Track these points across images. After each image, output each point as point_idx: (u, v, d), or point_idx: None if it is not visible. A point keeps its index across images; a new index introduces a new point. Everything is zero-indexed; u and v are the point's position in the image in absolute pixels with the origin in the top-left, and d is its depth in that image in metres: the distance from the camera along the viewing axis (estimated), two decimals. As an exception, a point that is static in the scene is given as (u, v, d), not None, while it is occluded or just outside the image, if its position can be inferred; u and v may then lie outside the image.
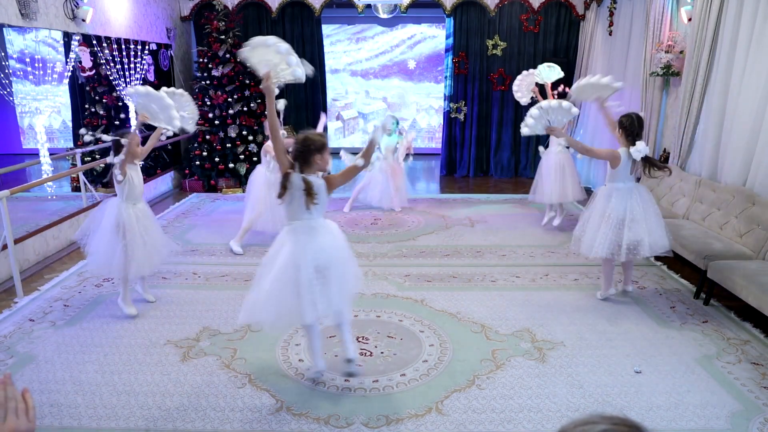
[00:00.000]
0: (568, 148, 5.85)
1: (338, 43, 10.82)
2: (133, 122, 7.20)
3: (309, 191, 2.90)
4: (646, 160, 3.97)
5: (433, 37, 10.70)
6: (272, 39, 2.95)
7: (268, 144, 5.38)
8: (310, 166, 2.95)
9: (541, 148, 6.19)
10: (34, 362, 3.46)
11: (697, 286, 4.48)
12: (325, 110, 9.50)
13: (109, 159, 4.00)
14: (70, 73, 5.98)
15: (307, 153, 2.93)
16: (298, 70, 3.01)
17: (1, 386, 1.03)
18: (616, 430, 0.89)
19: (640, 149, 3.86)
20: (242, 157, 8.22)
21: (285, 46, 2.96)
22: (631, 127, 3.94)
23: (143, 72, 7.42)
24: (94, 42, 6.33)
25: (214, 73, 8.03)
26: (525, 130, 3.99)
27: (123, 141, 3.82)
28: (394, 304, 4.31)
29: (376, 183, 6.80)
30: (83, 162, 6.27)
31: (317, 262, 2.93)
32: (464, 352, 3.59)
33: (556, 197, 6.03)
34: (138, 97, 3.86)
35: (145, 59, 7.45)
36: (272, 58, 2.97)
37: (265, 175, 5.40)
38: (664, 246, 4.01)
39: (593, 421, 0.91)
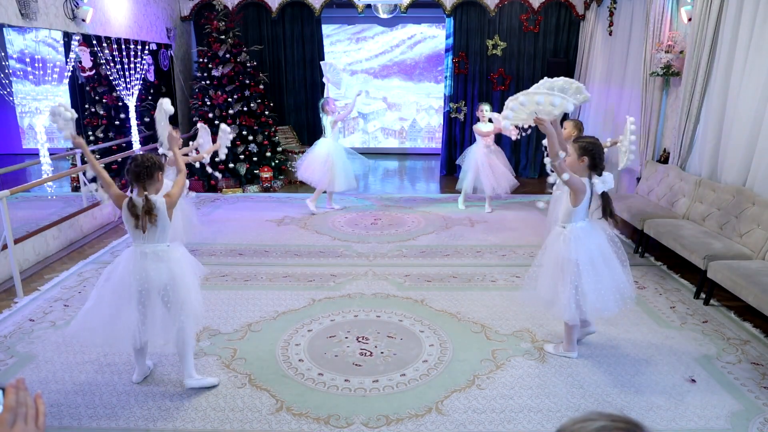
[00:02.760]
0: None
1: (338, 43, 10.82)
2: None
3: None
4: (604, 197, 3.26)
5: (433, 37, 10.70)
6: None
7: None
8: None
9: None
10: (34, 362, 3.46)
11: (697, 286, 4.48)
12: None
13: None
14: (70, 73, 5.98)
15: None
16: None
17: (13, 390, 1.00)
18: (614, 427, 0.90)
19: (607, 180, 3.15)
20: (242, 157, 8.21)
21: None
22: (598, 153, 3.17)
23: (143, 72, 7.42)
24: (94, 42, 6.33)
25: (214, 73, 8.03)
26: (505, 122, 3.23)
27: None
28: (394, 304, 4.31)
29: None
30: (83, 162, 6.27)
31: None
32: (464, 352, 3.59)
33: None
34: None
35: (145, 59, 7.45)
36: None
37: None
38: (631, 297, 3.30)
39: (591, 418, 0.92)
